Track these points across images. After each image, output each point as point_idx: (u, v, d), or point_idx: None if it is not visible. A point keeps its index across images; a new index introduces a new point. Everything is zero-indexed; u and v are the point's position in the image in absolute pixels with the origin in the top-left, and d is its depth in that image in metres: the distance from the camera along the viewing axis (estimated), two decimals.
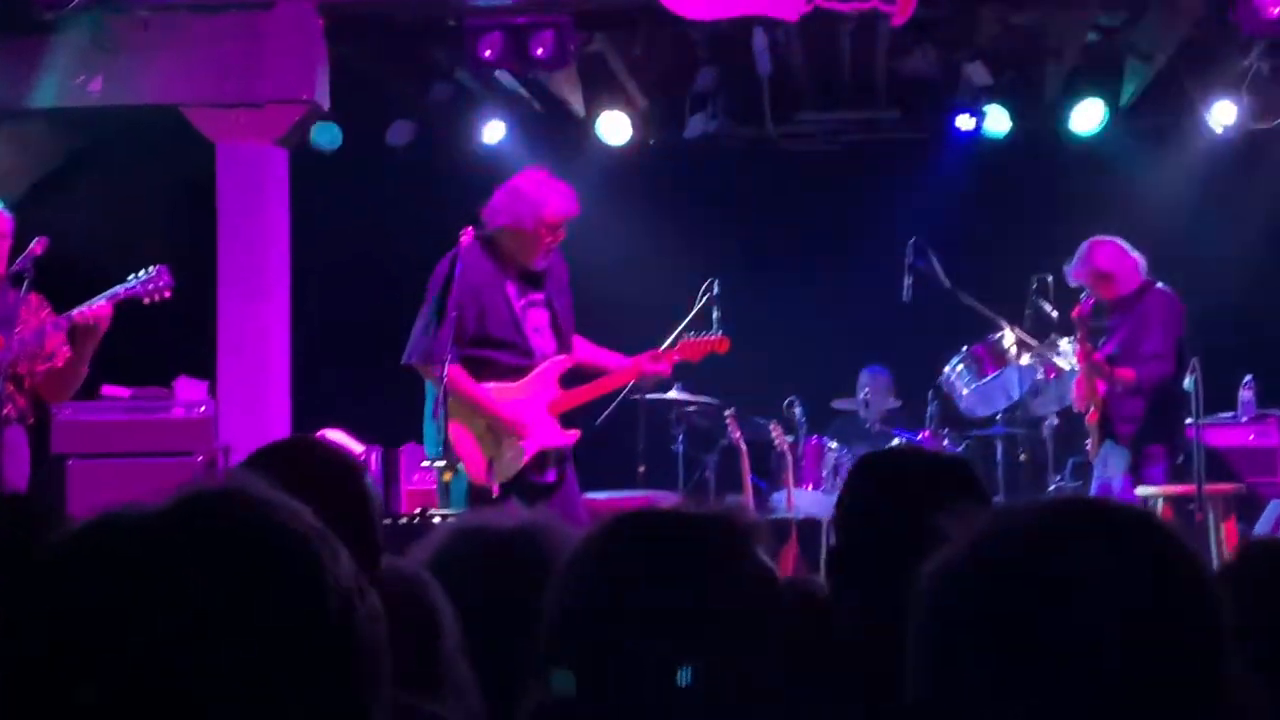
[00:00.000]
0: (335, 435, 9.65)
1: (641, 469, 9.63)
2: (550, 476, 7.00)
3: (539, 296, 7.04)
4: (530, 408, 6.95)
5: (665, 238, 11.15)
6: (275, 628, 1.46)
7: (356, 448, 9.76)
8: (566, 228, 6.96)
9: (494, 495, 6.69)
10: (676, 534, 2.13)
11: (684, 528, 2.14)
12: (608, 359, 7.24)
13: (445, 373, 6.60)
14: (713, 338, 7.42)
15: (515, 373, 6.98)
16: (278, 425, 9.62)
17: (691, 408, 9.89)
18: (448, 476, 6.85)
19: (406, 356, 6.90)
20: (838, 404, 10.93)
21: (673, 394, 9.72)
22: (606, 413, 8.47)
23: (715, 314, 7.85)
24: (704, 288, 8.04)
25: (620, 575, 2.07)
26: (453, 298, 6.70)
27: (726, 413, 9.49)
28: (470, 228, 6.98)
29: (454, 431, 6.79)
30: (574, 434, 7.11)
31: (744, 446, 9.18)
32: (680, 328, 7.73)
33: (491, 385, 6.94)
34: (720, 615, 2.05)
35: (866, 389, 10.64)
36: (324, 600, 1.49)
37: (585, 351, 7.25)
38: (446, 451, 6.69)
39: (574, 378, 7.23)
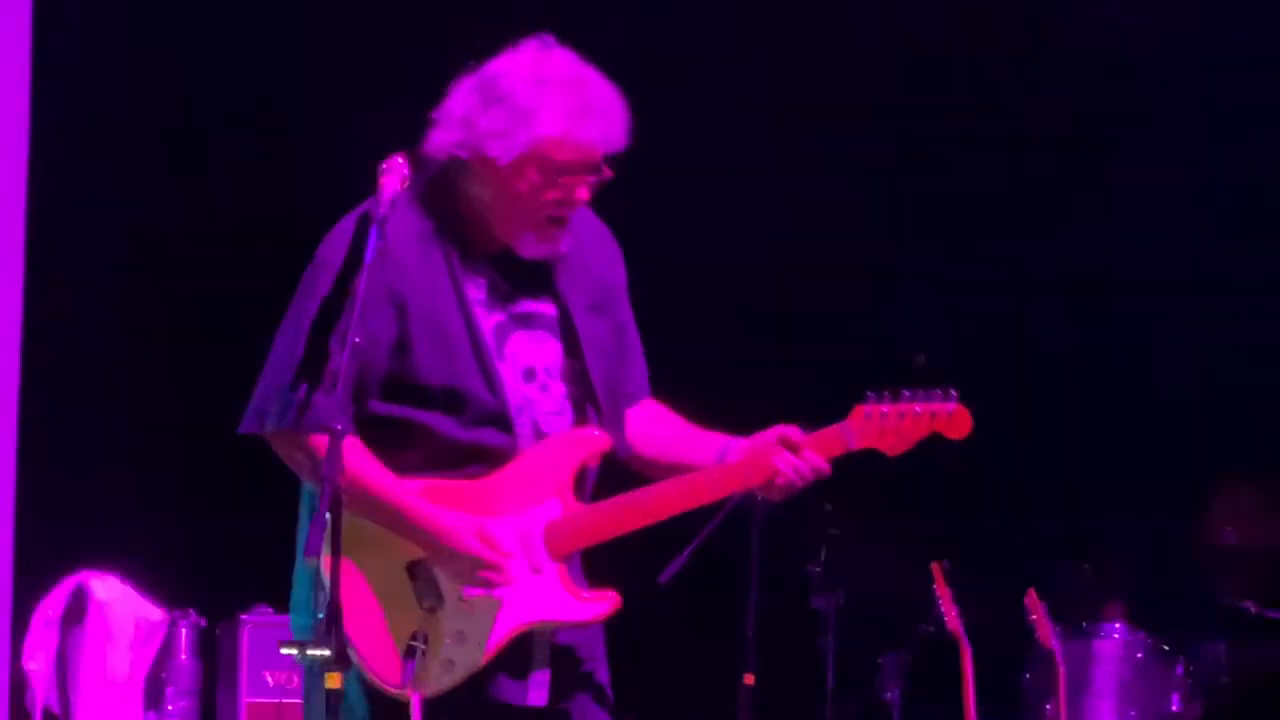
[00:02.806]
0: (103, 585, 7.11)
1: (748, 680, 6.54)
2: (538, 693, 4.61)
3: (541, 308, 4.73)
4: (507, 534, 4.63)
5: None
6: None
7: (147, 614, 7.12)
8: (602, 171, 4.60)
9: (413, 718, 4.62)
10: None
11: None
12: (695, 444, 4.78)
13: (336, 456, 4.31)
14: (937, 403, 4.69)
15: (472, 460, 4.64)
16: None
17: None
18: (334, 681, 4.32)
19: (250, 419, 4.63)
20: None
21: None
22: (689, 550, 5.92)
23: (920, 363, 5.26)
24: None
25: None
26: (353, 307, 4.48)
27: (933, 566, 6.75)
28: (400, 157, 4.60)
29: (347, 578, 4.46)
30: (605, 603, 4.65)
31: (966, 639, 6.51)
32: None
33: (422, 483, 4.60)
34: None
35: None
36: None
37: (649, 426, 4.87)
38: (329, 621, 4.35)
39: (612, 479, 4.75)
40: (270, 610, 7.05)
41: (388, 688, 4.56)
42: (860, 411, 4.71)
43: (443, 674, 4.60)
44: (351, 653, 4.61)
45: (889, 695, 7.15)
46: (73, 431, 7.78)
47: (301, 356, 4.66)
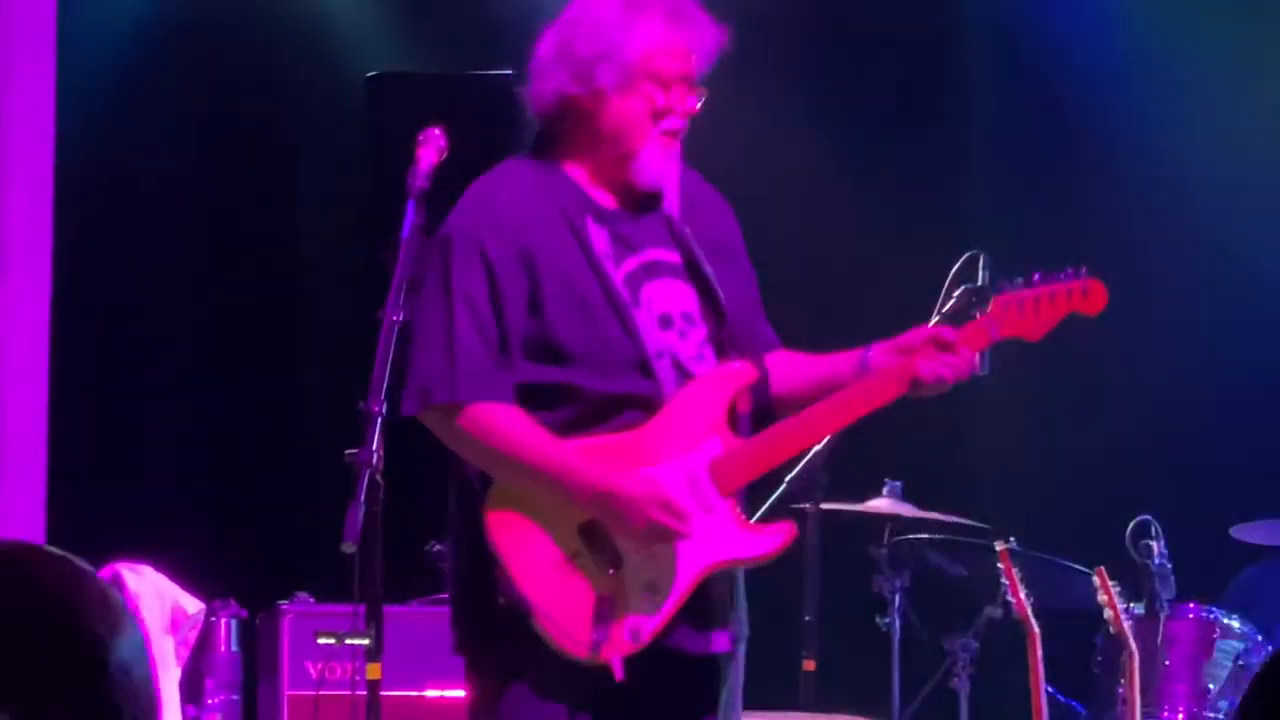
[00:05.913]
0: (136, 576, 6.73)
1: (808, 665, 6.47)
2: (721, 639, 4.50)
3: (665, 255, 4.59)
4: (675, 479, 4.48)
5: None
6: None
7: (184, 605, 6.82)
8: (699, 92, 4.48)
9: (616, 680, 4.37)
10: None
11: None
12: (833, 363, 4.60)
13: (482, 416, 4.39)
14: (1069, 281, 4.62)
15: (620, 410, 4.51)
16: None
17: (924, 537, 6.87)
18: (374, 672, 4.61)
19: (412, 399, 4.44)
20: (1243, 532, 7.13)
21: (879, 505, 6.62)
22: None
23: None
24: (959, 267, 5.53)
25: None
26: (502, 268, 4.45)
27: (998, 547, 6.21)
28: (437, 129, 4.67)
29: (534, 543, 4.45)
30: (780, 535, 4.52)
31: (1034, 622, 6.06)
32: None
33: (580, 442, 4.48)
34: None
35: None
36: None
37: (787, 368, 4.69)
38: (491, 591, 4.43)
39: (759, 416, 4.63)
40: (311, 599, 6.73)
41: (573, 650, 4.40)
42: (999, 301, 4.56)
43: (639, 626, 4.46)
44: (540, 623, 4.42)
45: (955, 681, 6.75)
46: (105, 418, 7.54)
47: (456, 330, 4.47)
